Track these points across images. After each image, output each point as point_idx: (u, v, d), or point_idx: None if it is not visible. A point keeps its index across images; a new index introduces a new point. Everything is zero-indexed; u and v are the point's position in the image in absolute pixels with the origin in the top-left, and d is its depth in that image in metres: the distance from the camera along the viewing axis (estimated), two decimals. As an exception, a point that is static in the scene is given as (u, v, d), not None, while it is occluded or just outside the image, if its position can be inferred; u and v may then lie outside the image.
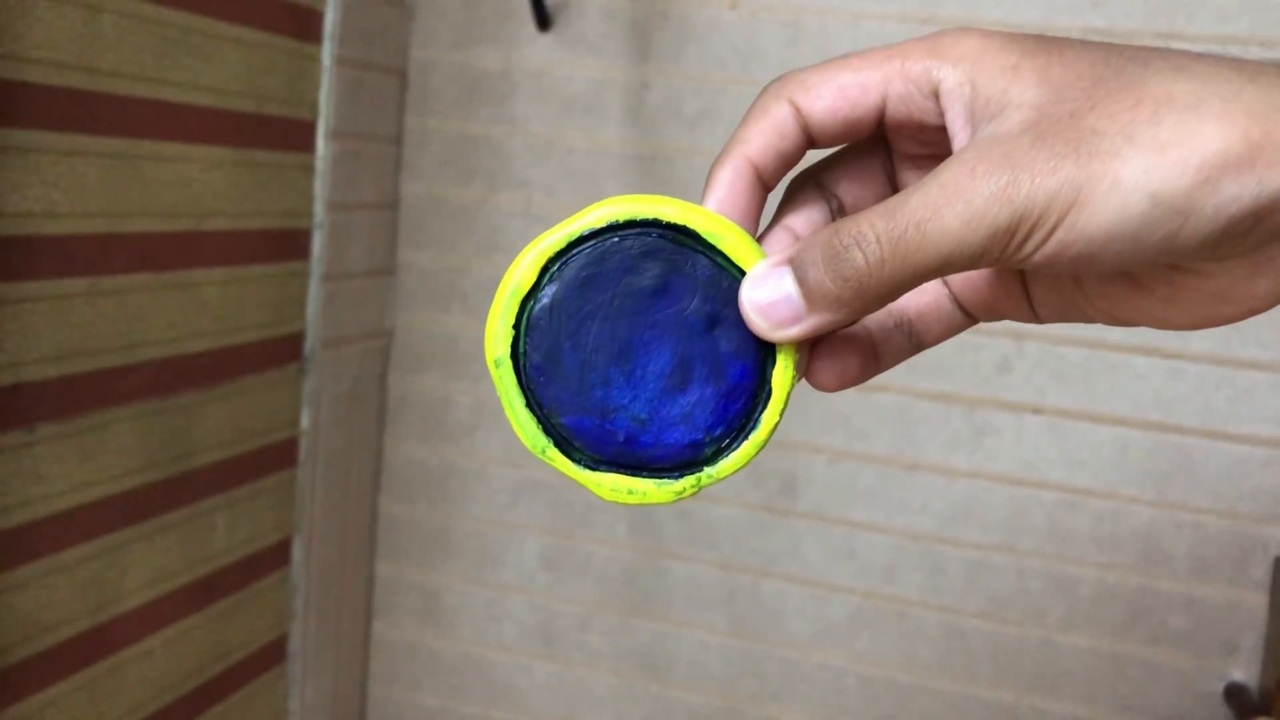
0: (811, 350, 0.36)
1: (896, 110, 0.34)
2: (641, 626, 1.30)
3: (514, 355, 0.35)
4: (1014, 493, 1.16)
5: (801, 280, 0.32)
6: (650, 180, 1.22)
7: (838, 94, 0.34)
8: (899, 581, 1.21)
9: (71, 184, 0.86)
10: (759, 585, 1.25)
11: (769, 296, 0.33)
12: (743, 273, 0.34)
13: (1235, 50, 1.07)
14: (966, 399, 1.17)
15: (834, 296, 0.32)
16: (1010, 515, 1.17)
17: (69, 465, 0.88)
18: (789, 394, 0.35)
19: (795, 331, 0.33)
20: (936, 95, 0.33)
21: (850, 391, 1.20)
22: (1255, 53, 1.06)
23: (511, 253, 1.29)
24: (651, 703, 1.30)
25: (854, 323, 0.35)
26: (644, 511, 1.28)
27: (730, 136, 0.35)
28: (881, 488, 1.20)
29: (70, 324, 0.87)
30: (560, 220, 0.35)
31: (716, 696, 1.28)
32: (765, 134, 0.34)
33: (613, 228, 0.34)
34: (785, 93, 0.34)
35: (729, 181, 0.35)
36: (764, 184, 0.35)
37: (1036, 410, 1.15)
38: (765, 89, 0.35)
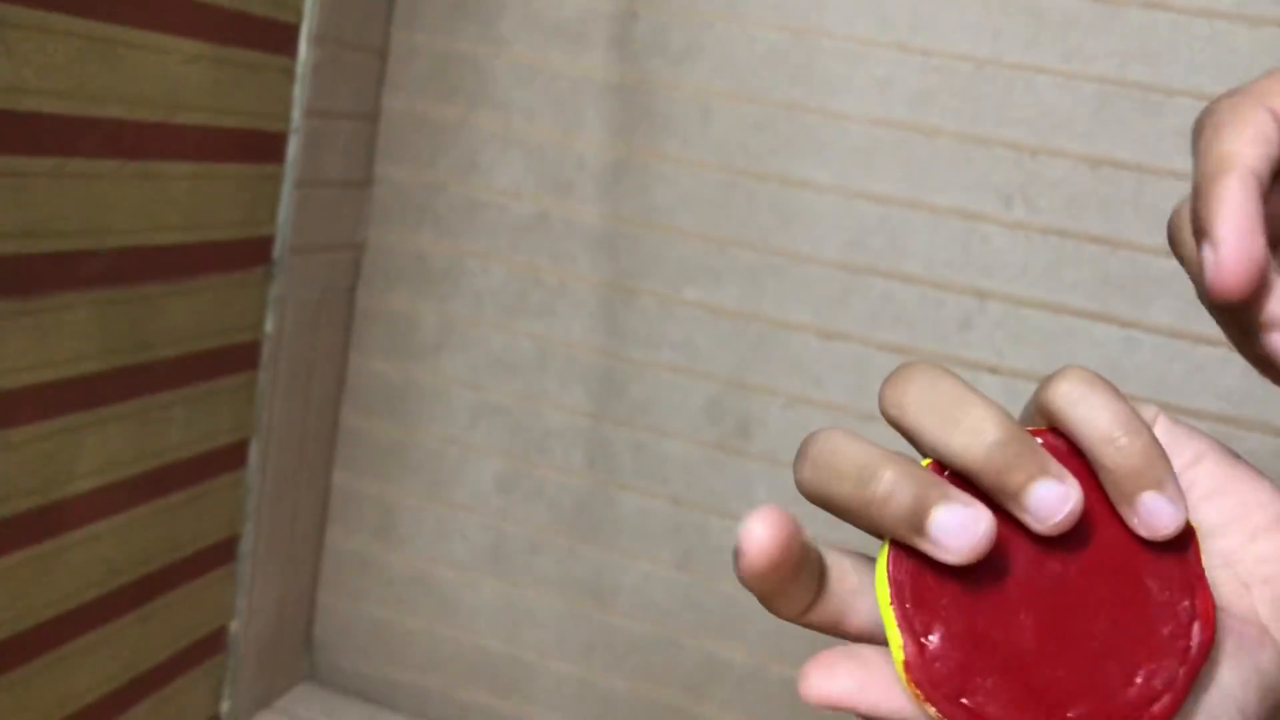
0: None
1: None
2: (590, 554, 1.32)
3: None
4: (964, 449, 1.18)
5: None
6: (631, 111, 1.22)
7: None
8: (844, 529, 1.23)
9: (42, 62, 0.85)
10: (707, 522, 1.27)
11: None
12: None
13: (1222, 26, 1.07)
14: (925, 353, 1.18)
15: None
16: (958, 471, 1.18)
17: (24, 344, 0.89)
18: None
19: None
20: None
21: (810, 338, 1.21)
22: (1239, 30, 1.06)
23: (489, 174, 1.29)
24: (594, 628, 1.33)
25: None
26: (600, 442, 1.29)
27: (1205, 151, 0.34)
28: (835, 435, 1.21)
29: (33, 202, 0.87)
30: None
31: (657, 626, 1.30)
32: (1256, 144, 0.33)
33: None
34: (1264, 102, 0.33)
35: (1243, 202, 0.32)
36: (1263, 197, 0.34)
37: (993, 370, 1.16)
38: (1230, 103, 0.34)
